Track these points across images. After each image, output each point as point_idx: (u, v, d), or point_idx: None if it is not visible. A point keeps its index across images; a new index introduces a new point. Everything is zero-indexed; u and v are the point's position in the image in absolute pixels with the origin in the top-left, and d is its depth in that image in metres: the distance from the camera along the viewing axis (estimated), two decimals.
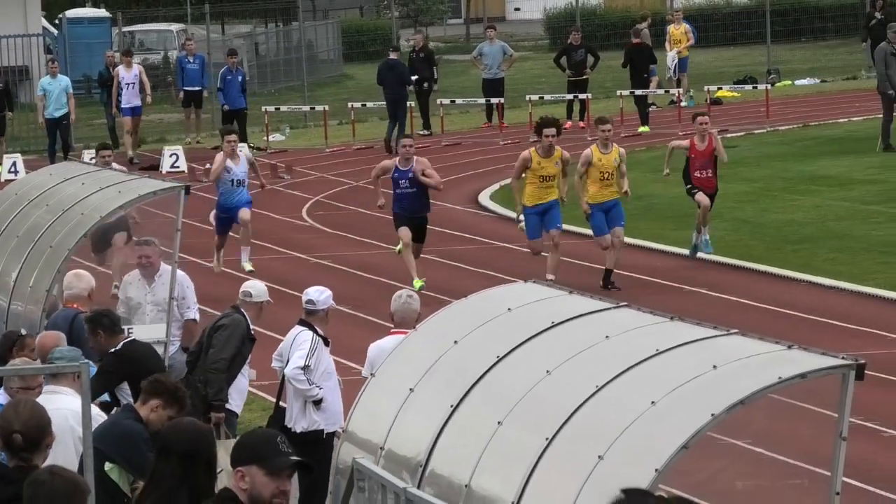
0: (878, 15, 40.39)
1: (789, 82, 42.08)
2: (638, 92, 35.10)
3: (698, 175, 19.89)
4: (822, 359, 5.73)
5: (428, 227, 19.43)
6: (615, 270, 18.88)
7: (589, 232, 20.15)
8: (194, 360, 10.75)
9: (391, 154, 27.94)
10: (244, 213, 20.27)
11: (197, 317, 13.10)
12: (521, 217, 19.21)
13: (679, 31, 39.47)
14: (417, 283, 17.58)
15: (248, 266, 20.39)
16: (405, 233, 18.30)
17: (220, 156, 20.64)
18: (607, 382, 5.89)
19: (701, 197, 19.78)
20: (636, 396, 5.76)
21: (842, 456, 5.51)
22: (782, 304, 17.42)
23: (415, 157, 18.73)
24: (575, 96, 36.06)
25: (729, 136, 31.22)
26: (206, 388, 10.23)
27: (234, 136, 21.11)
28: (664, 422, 5.59)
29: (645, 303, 8.33)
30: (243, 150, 22.04)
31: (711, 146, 19.69)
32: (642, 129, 34.37)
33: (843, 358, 5.64)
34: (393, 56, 37.60)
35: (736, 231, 23.18)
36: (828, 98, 39.35)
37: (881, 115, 29.55)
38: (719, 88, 38.99)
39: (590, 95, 36.10)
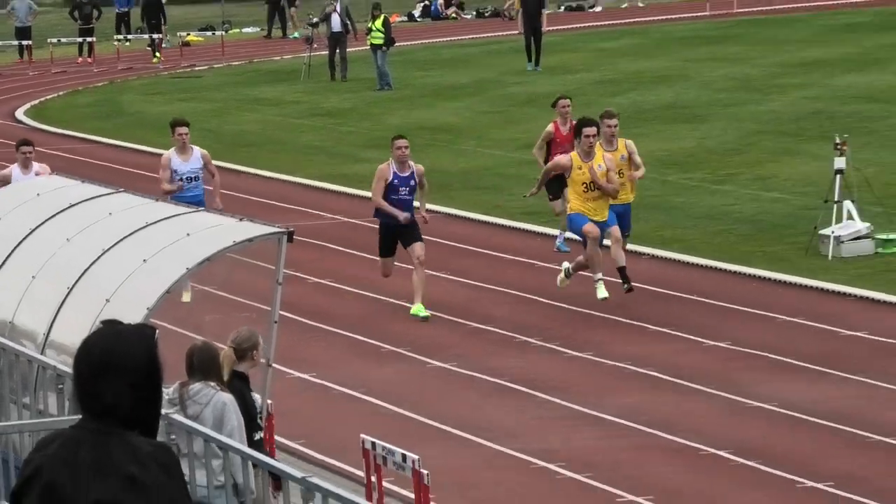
0: None
1: (238, 30, 52.06)
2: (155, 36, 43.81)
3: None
4: (264, 228, 8.38)
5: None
6: None
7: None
8: None
9: None
10: None
11: None
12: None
13: None
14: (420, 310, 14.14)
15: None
16: (388, 266, 14.81)
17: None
18: (111, 246, 8.06)
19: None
20: (132, 256, 7.94)
21: (279, 295, 8.27)
22: (236, 190, 19.27)
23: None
24: (84, 39, 44.04)
25: (197, 68, 41.14)
26: None
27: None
28: (153, 274, 7.77)
29: None
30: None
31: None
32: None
33: (278, 227, 8.32)
34: None
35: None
36: (269, 42, 48.56)
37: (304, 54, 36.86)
38: (188, 34, 47.45)
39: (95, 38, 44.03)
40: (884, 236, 16.00)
